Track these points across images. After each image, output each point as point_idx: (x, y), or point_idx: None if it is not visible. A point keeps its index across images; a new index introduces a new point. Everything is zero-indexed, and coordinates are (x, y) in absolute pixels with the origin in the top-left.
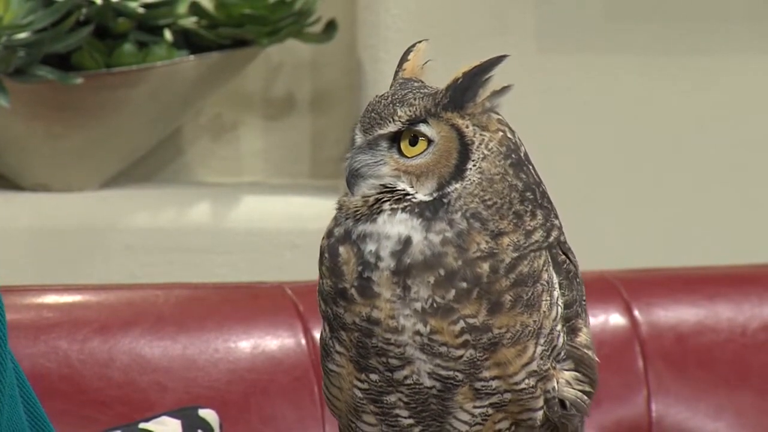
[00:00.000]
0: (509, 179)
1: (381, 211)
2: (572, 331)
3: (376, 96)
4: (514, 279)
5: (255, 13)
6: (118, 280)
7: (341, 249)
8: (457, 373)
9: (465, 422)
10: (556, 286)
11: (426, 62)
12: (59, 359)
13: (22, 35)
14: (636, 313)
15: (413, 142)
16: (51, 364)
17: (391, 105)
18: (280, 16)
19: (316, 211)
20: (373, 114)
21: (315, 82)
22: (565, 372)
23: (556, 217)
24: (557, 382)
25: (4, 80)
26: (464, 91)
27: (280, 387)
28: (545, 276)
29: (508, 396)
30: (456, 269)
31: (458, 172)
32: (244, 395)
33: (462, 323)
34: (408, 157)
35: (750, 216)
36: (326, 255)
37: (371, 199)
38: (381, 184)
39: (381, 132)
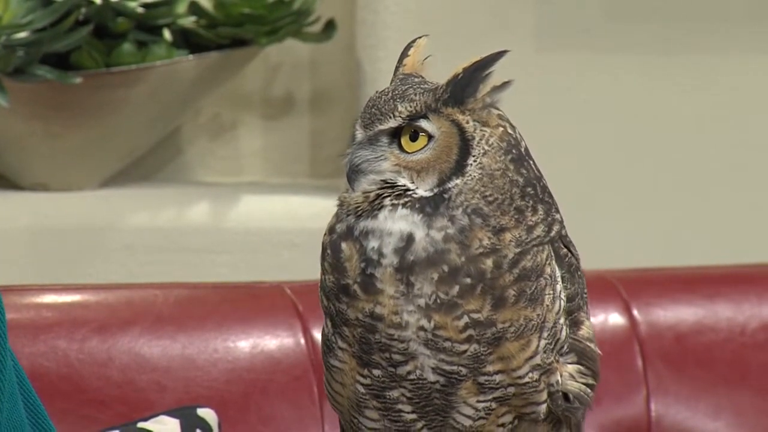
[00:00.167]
0: (510, 175)
1: (382, 206)
2: (574, 324)
3: (377, 92)
4: (517, 274)
5: (254, 12)
6: (117, 279)
7: (344, 245)
8: (460, 368)
9: (468, 417)
10: (559, 279)
11: (426, 58)
12: (58, 359)
13: (22, 35)
14: (635, 312)
15: (414, 138)
16: (50, 364)
17: (391, 100)
18: (279, 15)
19: (316, 210)
20: (373, 109)
21: (314, 82)
22: (569, 365)
23: (557, 211)
24: (561, 376)
25: (3, 80)
26: (465, 86)
27: (279, 386)
28: (548, 270)
29: (511, 390)
30: (459, 265)
31: (459, 168)
32: (243, 395)
33: (466, 318)
34: (408, 153)
35: (749, 216)
36: (328, 251)
37: (372, 195)
38: (381, 180)
39: (381, 127)
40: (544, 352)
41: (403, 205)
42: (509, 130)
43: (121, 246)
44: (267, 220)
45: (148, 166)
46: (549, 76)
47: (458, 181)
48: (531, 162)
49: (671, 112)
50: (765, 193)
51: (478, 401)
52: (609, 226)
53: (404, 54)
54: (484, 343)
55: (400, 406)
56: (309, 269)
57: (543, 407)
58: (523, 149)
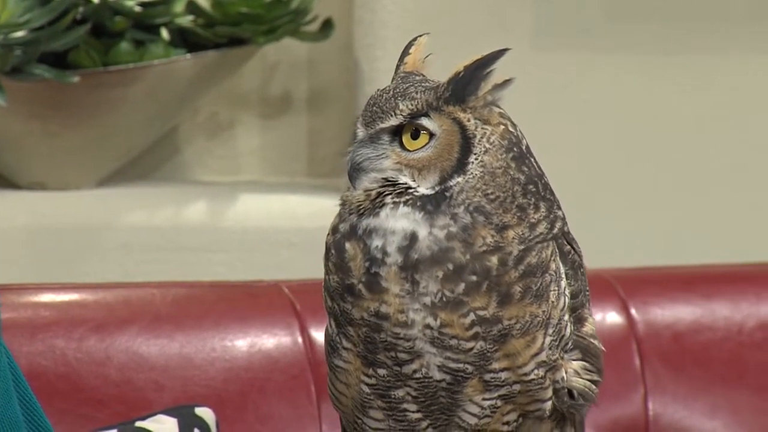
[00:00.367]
0: (511, 172)
1: (383, 204)
2: (578, 320)
3: (378, 90)
4: (523, 270)
5: (251, 11)
6: (114, 278)
7: (347, 245)
8: (467, 366)
9: (474, 415)
10: (563, 276)
11: (427, 56)
12: (56, 358)
13: (19, 34)
14: (633, 311)
15: (415, 136)
16: (48, 363)
17: (392, 99)
18: (276, 14)
19: (313, 209)
20: (374, 108)
21: (312, 81)
22: (573, 362)
23: (559, 208)
24: (566, 372)
25: (1, 79)
26: (466, 84)
27: (277, 385)
28: (553, 266)
29: (517, 387)
30: (464, 263)
31: (460, 166)
32: (241, 394)
33: (472, 316)
34: (410, 151)
35: (748, 215)
36: (332, 251)
37: (373, 193)
38: (383, 178)
39: (383, 126)
40: (550, 348)
41: (405, 203)
42: (510, 128)
43: (118, 245)
44: (265, 219)
45: (146, 165)
46: (547, 75)
47: (460, 179)
48: (532, 160)
49: (670, 111)
50: (763, 192)
51: (484, 399)
52: (607, 225)
53: (405, 52)
54: (490, 341)
55: (405, 406)
56: (307, 268)
57: (548, 404)
58: (524, 147)
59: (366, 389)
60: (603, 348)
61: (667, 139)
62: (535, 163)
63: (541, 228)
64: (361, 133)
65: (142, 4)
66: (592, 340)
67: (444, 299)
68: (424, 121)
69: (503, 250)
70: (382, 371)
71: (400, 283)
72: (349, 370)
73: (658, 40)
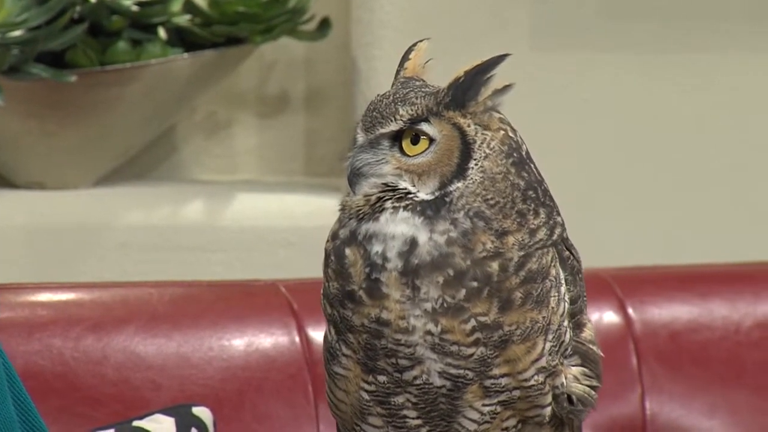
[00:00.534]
0: (511, 178)
1: (383, 209)
2: (577, 326)
3: (378, 95)
4: (524, 276)
5: (249, 11)
6: (112, 277)
7: (347, 251)
8: (467, 372)
9: (474, 421)
10: (563, 282)
11: (427, 61)
12: (53, 357)
13: (16, 33)
14: (630, 310)
15: (415, 141)
16: (45, 362)
17: (392, 104)
18: (273, 13)
19: (310, 208)
20: (374, 113)
21: (309, 80)
22: (573, 367)
23: (559, 214)
24: (565, 378)
25: None
26: (466, 90)
27: (274, 385)
28: (553, 272)
29: (517, 393)
30: (465, 269)
31: (460, 171)
32: (238, 393)
33: (473, 322)
34: (410, 156)
35: (745, 214)
36: (332, 258)
37: (373, 198)
38: (383, 183)
39: (383, 131)
40: (550, 354)
41: (404, 208)
42: (510, 134)
43: (116, 244)
44: (262, 218)
45: (143, 164)
46: (546, 75)
47: (459, 185)
48: (532, 165)
49: (669, 111)
50: (762, 192)
51: (484, 405)
52: (605, 225)
53: (405, 57)
54: (491, 346)
55: (405, 412)
56: (304, 267)
57: (548, 410)
58: (524, 153)
59: (365, 396)
60: (602, 354)
61: (666, 139)
62: (534, 169)
63: (541, 234)
64: (360, 138)
65: (139, 4)
66: (591, 346)
67: (445, 305)
68: (424, 127)
69: (504, 256)
70: (382, 378)
71: (401, 289)
72: (348, 377)
73: (657, 39)
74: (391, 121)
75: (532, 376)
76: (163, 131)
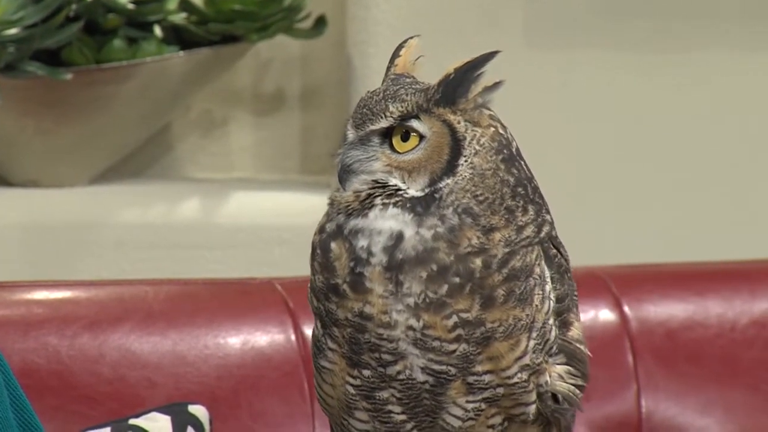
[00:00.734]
0: (501, 174)
1: (372, 206)
2: (564, 325)
3: (368, 92)
4: (506, 274)
5: (244, 8)
6: (107, 275)
7: (333, 245)
8: (450, 368)
9: (458, 417)
10: (548, 280)
11: (418, 58)
12: (49, 355)
13: (12, 31)
14: (626, 308)
15: (405, 138)
16: (41, 360)
17: (383, 101)
18: (269, 11)
19: (306, 206)
20: (364, 110)
21: (304, 78)
22: (558, 366)
23: (548, 212)
24: (550, 376)
25: None
26: (456, 86)
27: (270, 383)
28: (537, 270)
29: (500, 390)
30: (448, 264)
31: (450, 168)
32: (234, 391)
33: (455, 318)
34: (400, 153)
35: (742, 212)
36: (318, 251)
37: (363, 195)
38: (373, 180)
39: (373, 128)
40: (533, 352)
41: (394, 205)
42: (500, 131)
43: (111, 242)
44: (258, 216)
45: (139, 162)
46: (539, 73)
47: (449, 181)
48: (522, 162)
49: (662, 108)
50: (758, 189)
51: (468, 401)
52: (600, 223)
53: (396, 54)
54: (473, 343)
55: (389, 407)
56: (300, 265)
57: (532, 408)
58: (514, 149)
59: (351, 390)
60: (589, 353)
61: (661, 137)
62: (524, 166)
63: (528, 231)
64: (351, 134)
65: (135, 2)
66: (578, 345)
67: (427, 300)
68: (415, 123)
69: (488, 253)
70: (366, 372)
71: (384, 284)
72: (334, 370)
73: (651, 37)
74: (382, 117)
75: (516, 374)
76: (159, 129)
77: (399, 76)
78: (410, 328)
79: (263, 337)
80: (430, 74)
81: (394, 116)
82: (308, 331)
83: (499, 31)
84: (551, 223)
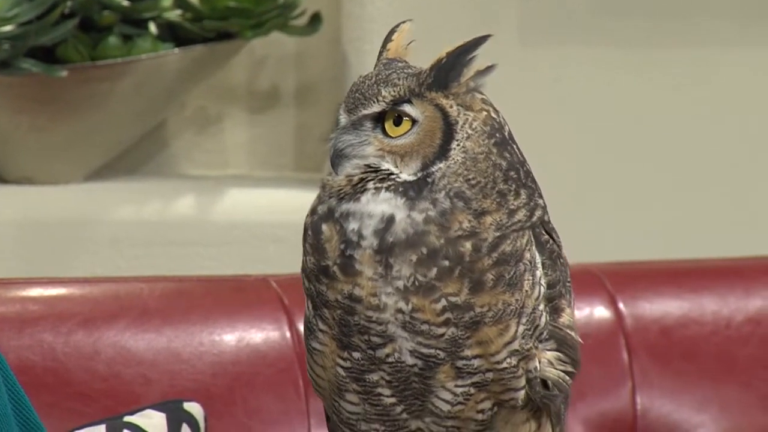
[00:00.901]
0: (493, 158)
1: (365, 190)
2: (555, 311)
3: (360, 76)
4: (496, 258)
5: (239, 5)
6: (102, 273)
7: (324, 227)
8: (438, 351)
9: (447, 401)
10: (539, 265)
11: (410, 42)
12: (44, 352)
13: (7, 28)
14: (621, 305)
15: (397, 122)
16: (36, 357)
17: (375, 85)
18: (264, 8)
19: (301, 203)
20: (357, 94)
21: (300, 75)
22: (548, 352)
23: (540, 196)
24: (539, 362)
25: None
26: (448, 70)
27: (265, 380)
28: (528, 255)
29: (489, 375)
30: (438, 248)
31: (442, 152)
32: (229, 388)
33: (444, 301)
34: (392, 137)
35: (737, 209)
36: (309, 232)
37: (355, 179)
38: (365, 164)
39: (365, 112)
40: (523, 337)
41: (387, 189)
42: (493, 114)
43: (106, 239)
44: (252, 213)
45: (134, 159)
46: (534, 70)
47: (441, 165)
48: (515, 146)
49: (658, 106)
50: (753, 187)
51: (456, 386)
52: (596, 220)
53: (388, 39)
54: (462, 327)
55: (379, 390)
56: (295, 262)
57: (521, 394)
58: (506, 133)
59: (342, 372)
60: (580, 340)
61: (656, 134)
62: (517, 150)
63: (520, 215)
64: (343, 119)
65: None
66: (568, 331)
67: (416, 284)
68: (407, 108)
69: (478, 236)
70: (356, 354)
71: (374, 267)
72: (325, 352)
73: (646, 34)
74: (374, 102)
75: (505, 359)
76: (154, 126)
77: (391, 60)
78: (399, 311)
79: (258, 334)
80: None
81: (386, 101)
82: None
83: (494, 29)
84: (543, 208)
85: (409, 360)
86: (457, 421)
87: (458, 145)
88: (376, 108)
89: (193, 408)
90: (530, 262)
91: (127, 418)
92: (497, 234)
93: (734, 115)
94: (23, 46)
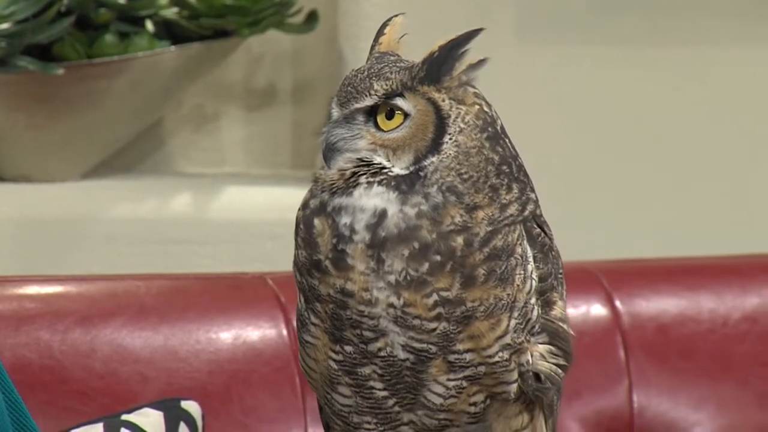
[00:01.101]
0: (485, 152)
1: (357, 184)
2: (547, 304)
3: (353, 70)
4: (487, 253)
5: (236, 3)
6: (99, 270)
7: (316, 221)
8: (430, 346)
9: (439, 395)
10: (531, 259)
11: (402, 36)
12: (41, 350)
13: (4, 26)
14: (617, 303)
15: (390, 116)
16: (32, 355)
17: (367, 79)
18: (261, 6)
19: (298, 201)
20: (349, 88)
21: (296, 73)
22: (540, 345)
23: (533, 190)
24: (531, 355)
25: None
26: (440, 64)
27: (262, 377)
28: (519, 250)
29: (482, 369)
30: (430, 242)
31: (435, 146)
32: (226, 386)
33: (435, 296)
34: (384, 131)
35: (734, 207)
36: (301, 226)
37: (348, 173)
38: (358, 158)
39: (357, 106)
40: (515, 331)
41: (379, 183)
42: (485, 108)
43: (103, 237)
44: (249, 211)
45: (131, 157)
46: (530, 68)
47: (434, 159)
48: (507, 140)
49: (655, 105)
50: (750, 185)
51: (449, 380)
52: (592, 218)
53: (380, 32)
54: (454, 322)
55: (371, 383)
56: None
57: (514, 387)
58: (499, 127)
59: (334, 365)
60: (572, 332)
61: (653, 133)
62: (509, 144)
63: (512, 209)
64: (335, 113)
65: None
66: (560, 324)
67: (408, 278)
68: (399, 102)
69: (470, 231)
70: (348, 348)
71: (366, 261)
72: (317, 345)
73: (643, 32)
74: (366, 96)
75: (497, 353)
76: (151, 124)
77: (383, 54)
78: (391, 305)
79: (255, 332)
80: None
81: (378, 94)
82: None
83: (491, 27)
84: (536, 202)
85: (401, 354)
86: (450, 414)
87: (450, 139)
88: (368, 102)
89: (191, 406)
90: (522, 257)
91: (124, 417)
92: (489, 229)
93: (732, 113)
94: (20, 43)
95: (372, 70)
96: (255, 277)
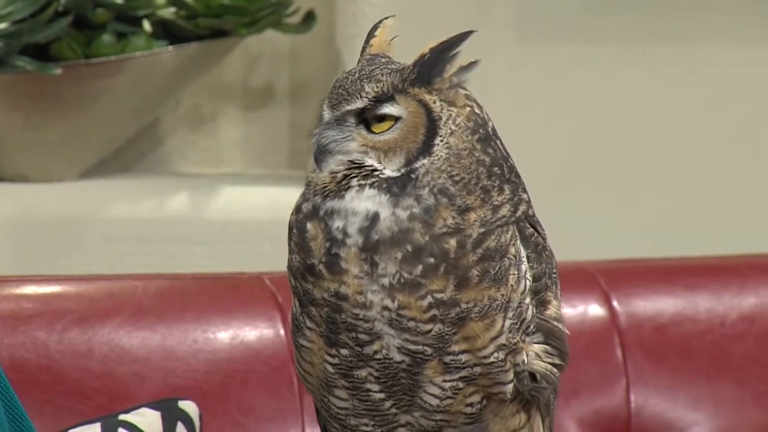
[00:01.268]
0: (477, 154)
1: (349, 187)
2: (541, 303)
3: (344, 72)
4: (481, 254)
5: (233, 3)
6: (97, 270)
7: (309, 225)
8: (425, 348)
9: (435, 396)
10: (524, 259)
11: (393, 38)
12: (38, 350)
13: (1, 26)
14: (615, 303)
15: (381, 118)
16: (30, 355)
17: (358, 81)
18: (258, 6)
19: (295, 201)
20: (340, 90)
21: (293, 73)
22: (535, 345)
23: (525, 191)
24: (527, 355)
25: None
26: (431, 66)
27: (259, 377)
28: (512, 250)
29: (477, 370)
30: (423, 245)
31: (426, 148)
32: (223, 386)
33: (429, 298)
34: (375, 133)
35: (731, 207)
36: (294, 231)
37: (339, 176)
38: (349, 160)
39: (348, 108)
40: (510, 331)
41: (371, 186)
42: (476, 110)
43: (101, 237)
44: (246, 211)
45: (128, 157)
46: (530, 67)
47: (425, 161)
48: (498, 142)
49: (652, 103)
50: (747, 184)
51: (444, 381)
52: (590, 218)
53: (371, 34)
54: (449, 323)
55: (368, 386)
56: None
57: (510, 387)
58: (490, 129)
59: (330, 369)
60: (567, 331)
61: (650, 132)
62: (501, 146)
63: (504, 210)
64: (326, 115)
65: None
66: (555, 323)
67: (402, 281)
68: (388, 108)
69: (463, 233)
70: (344, 351)
71: (359, 265)
72: (313, 349)
73: (642, 32)
74: (357, 98)
75: (492, 353)
76: (148, 124)
77: (374, 56)
78: (385, 308)
79: (252, 332)
80: None
81: (369, 96)
82: None
83: (489, 26)
84: (528, 202)
85: (397, 356)
86: (446, 415)
87: (442, 141)
88: (359, 104)
89: (188, 406)
90: (515, 257)
91: (122, 417)
92: (482, 230)
93: (728, 112)
94: (17, 43)
95: (363, 72)
96: (252, 276)
